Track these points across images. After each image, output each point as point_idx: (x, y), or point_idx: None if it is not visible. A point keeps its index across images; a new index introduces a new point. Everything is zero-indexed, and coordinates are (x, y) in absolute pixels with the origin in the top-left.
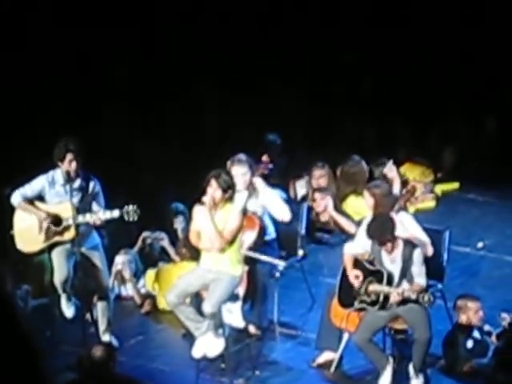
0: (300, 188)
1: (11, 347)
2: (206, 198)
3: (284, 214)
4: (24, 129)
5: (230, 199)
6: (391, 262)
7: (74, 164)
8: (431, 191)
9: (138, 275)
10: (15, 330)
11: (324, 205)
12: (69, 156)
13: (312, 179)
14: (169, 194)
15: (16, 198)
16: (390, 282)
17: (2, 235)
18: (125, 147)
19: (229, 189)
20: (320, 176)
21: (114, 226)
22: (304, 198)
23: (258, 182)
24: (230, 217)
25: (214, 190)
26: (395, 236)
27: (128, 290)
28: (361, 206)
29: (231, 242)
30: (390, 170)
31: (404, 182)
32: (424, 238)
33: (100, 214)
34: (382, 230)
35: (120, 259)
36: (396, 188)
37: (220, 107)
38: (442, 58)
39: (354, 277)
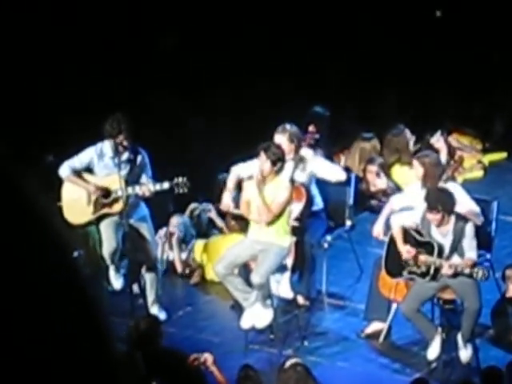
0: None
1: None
2: (255, 171)
3: (339, 174)
4: (69, 98)
5: (279, 172)
6: (442, 236)
7: (125, 142)
8: (479, 161)
9: (187, 242)
10: (82, 294)
11: (379, 185)
12: (120, 136)
13: (362, 152)
14: (216, 165)
15: (64, 170)
16: (440, 255)
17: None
18: (172, 118)
19: (278, 161)
20: (369, 149)
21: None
22: (350, 169)
23: (306, 152)
24: (279, 190)
25: (263, 163)
26: (452, 210)
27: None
28: (406, 175)
29: (279, 215)
30: (437, 140)
31: (451, 152)
32: (474, 207)
33: (150, 186)
34: (443, 202)
35: (175, 220)
36: (443, 158)
37: (269, 80)
38: (489, 27)
39: (407, 252)
